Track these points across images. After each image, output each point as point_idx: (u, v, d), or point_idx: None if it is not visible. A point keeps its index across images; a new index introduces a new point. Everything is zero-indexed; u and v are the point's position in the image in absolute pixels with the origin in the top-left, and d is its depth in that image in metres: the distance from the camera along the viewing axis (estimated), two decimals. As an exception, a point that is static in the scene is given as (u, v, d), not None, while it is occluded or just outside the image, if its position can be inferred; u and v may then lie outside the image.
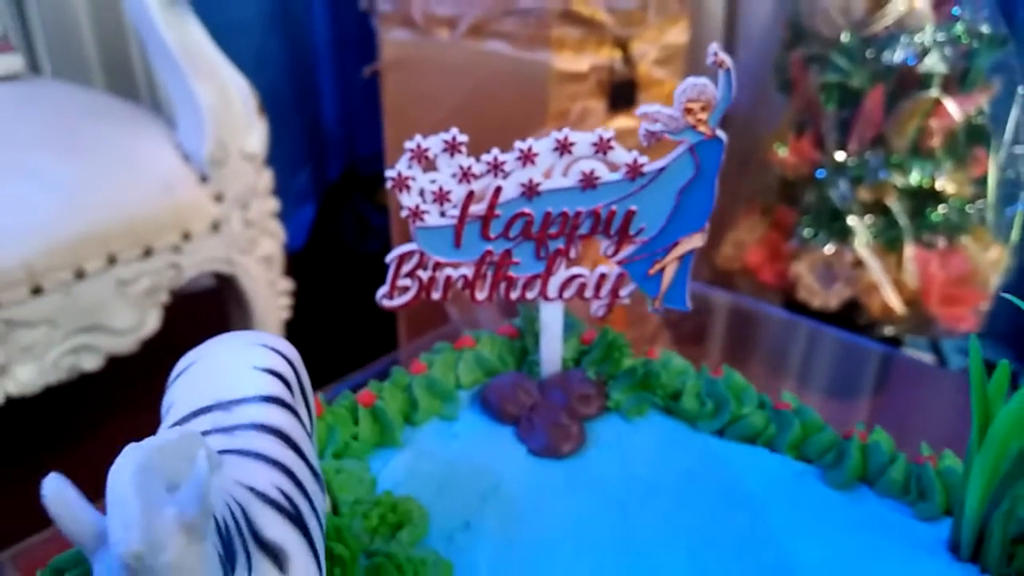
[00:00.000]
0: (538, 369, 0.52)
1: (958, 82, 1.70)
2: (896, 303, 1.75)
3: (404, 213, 0.47)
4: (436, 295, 0.49)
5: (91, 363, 1.32)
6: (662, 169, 0.47)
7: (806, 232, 1.77)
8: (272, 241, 1.53)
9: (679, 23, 1.44)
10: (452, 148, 0.45)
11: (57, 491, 0.21)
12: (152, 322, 1.37)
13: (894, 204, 1.70)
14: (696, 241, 0.49)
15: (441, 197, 0.46)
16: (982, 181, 1.76)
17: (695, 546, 0.41)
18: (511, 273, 0.49)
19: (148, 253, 1.34)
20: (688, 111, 0.45)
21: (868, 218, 1.75)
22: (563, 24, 1.34)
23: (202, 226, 1.40)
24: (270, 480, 0.29)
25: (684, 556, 0.41)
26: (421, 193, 0.46)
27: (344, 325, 1.67)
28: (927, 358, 1.84)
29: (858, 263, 1.80)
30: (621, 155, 0.46)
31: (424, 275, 0.48)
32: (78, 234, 1.25)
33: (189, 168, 1.39)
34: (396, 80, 1.50)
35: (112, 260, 1.30)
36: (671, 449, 0.48)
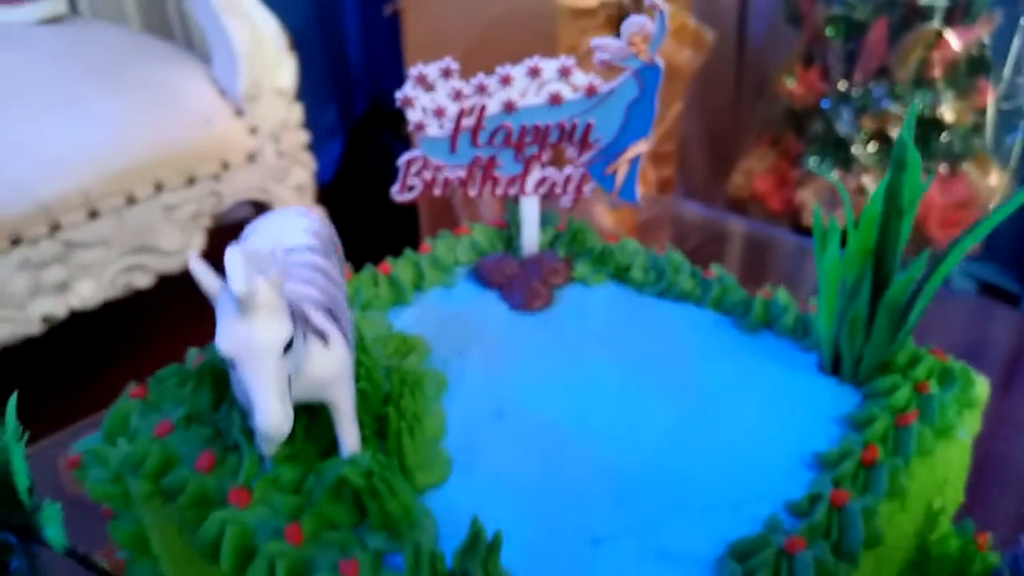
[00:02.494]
0: (520, 251, 0.68)
1: (961, 14, 1.79)
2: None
3: (410, 126, 0.62)
4: (437, 191, 0.65)
5: (143, 281, 1.51)
6: (612, 90, 0.62)
7: (812, 160, 1.89)
8: (304, 171, 1.69)
9: (685, -41, 1.56)
10: (446, 74, 0.60)
11: (199, 265, 0.37)
12: (197, 244, 1.54)
13: (896, 132, 1.81)
14: (641, 147, 0.64)
15: (439, 113, 0.62)
16: (984, 111, 1.86)
17: (633, 372, 0.57)
18: (496, 174, 0.65)
19: (191, 181, 1.51)
20: (632, 43, 0.60)
21: (871, 146, 1.86)
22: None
23: (239, 157, 1.57)
24: (316, 293, 0.45)
25: (625, 380, 0.57)
26: (423, 110, 0.62)
27: (371, 249, 1.83)
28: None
29: (861, 190, 1.90)
30: (580, 78, 0.62)
31: (427, 175, 0.64)
32: (128, 163, 1.42)
33: (226, 103, 1.55)
34: (416, 18, 1.64)
35: (159, 187, 1.47)
36: (620, 306, 0.64)
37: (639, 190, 0.65)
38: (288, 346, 0.38)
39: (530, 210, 0.66)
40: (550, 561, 0.45)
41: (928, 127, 1.83)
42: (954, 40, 1.75)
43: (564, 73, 0.60)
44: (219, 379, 0.53)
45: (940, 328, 1.31)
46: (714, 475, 0.49)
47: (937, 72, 1.79)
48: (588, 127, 0.62)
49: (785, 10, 1.86)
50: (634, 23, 0.59)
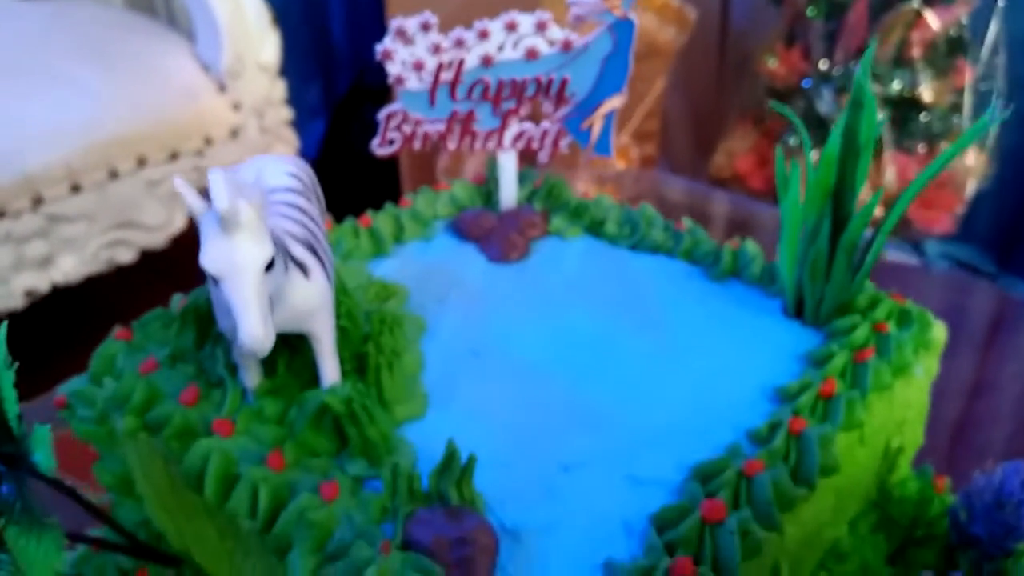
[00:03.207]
0: (498, 206, 0.70)
1: (941, -6, 1.80)
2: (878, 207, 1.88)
3: (390, 79, 0.64)
4: (417, 145, 0.67)
5: (126, 256, 1.52)
6: (588, 44, 0.64)
7: (792, 140, 1.91)
8: (286, 147, 1.70)
9: (667, -63, 1.58)
10: (426, 27, 0.62)
11: (184, 186, 0.39)
12: (179, 220, 1.56)
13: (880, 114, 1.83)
14: (616, 102, 0.66)
15: (418, 66, 0.63)
16: (963, 91, 1.88)
17: (606, 317, 0.60)
18: (474, 128, 0.67)
19: (174, 156, 1.52)
20: (606, -2, 0.62)
21: (851, 125, 1.87)
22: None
23: (222, 132, 1.58)
24: (297, 229, 0.47)
25: (597, 324, 0.59)
26: (403, 63, 0.63)
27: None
28: (911, 260, 1.98)
29: (841, 168, 1.92)
30: (556, 33, 0.64)
31: (407, 129, 0.66)
32: (111, 137, 1.44)
33: (209, 78, 1.56)
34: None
35: (142, 162, 1.48)
36: (595, 258, 0.66)
37: (617, 159, 0.67)
38: (270, 267, 0.40)
39: (508, 165, 0.69)
40: (522, 486, 0.47)
41: (907, 107, 1.86)
42: (933, 20, 1.77)
43: (540, 28, 0.63)
44: (202, 320, 0.55)
45: (919, 299, 1.34)
46: (680, 408, 0.52)
47: (916, 52, 1.81)
48: (564, 82, 0.65)
49: (768, -10, 1.88)
50: (608, -21, 0.61)
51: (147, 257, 1.54)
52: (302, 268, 0.46)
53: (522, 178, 0.72)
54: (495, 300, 0.61)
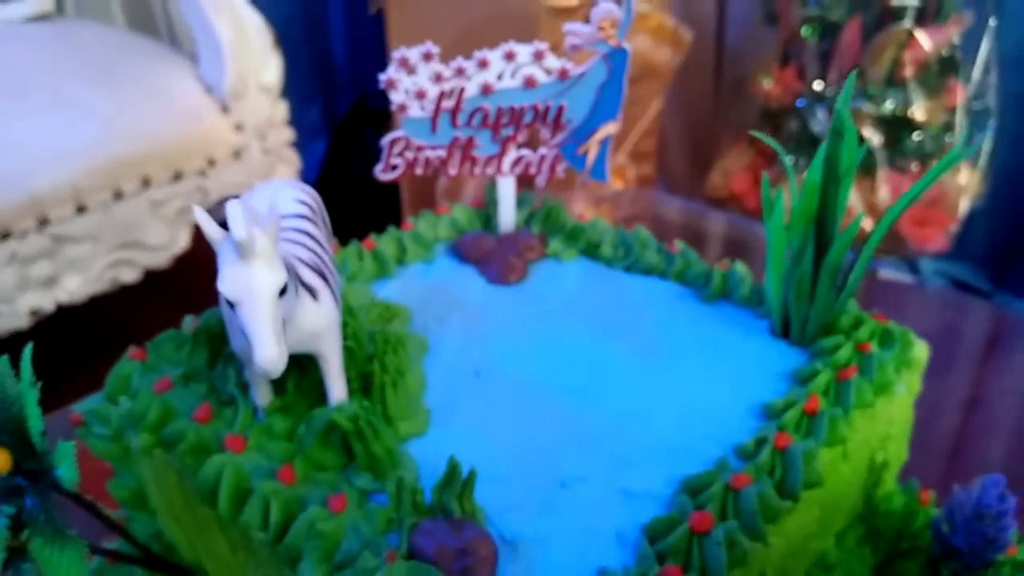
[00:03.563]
0: (497, 228, 0.73)
1: (933, 14, 1.85)
2: (869, 224, 1.92)
3: (392, 107, 0.67)
4: (419, 171, 0.70)
5: (130, 276, 1.55)
6: (583, 73, 0.67)
7: (787, 160, 1.94)
8: (288, 168, 1.73)
9: (663, -40, 1.61)
10: (427, 57, 0.65)
11: (203, 217, 0.42)
12: (183, 240, 1.59)
13: (868, 131, 1.86)
14: (610, 128, 0.69)
15: (420, 95, 0.67)
16: (955, 110, 1.92)
17: (600, 337, 0.62)
18: (474, 154, 0.70)
19: (178, 177, 1.55)
20: (601, 28, 0.65)
21: (845, 145, 1.90)
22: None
23: (225, 153, 1.61)
24: (306, 254, 0.50)
25: (592, 344, 0.62)
26: (406, 92, 0.66)
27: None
28: (906, 278, 2.01)
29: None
30: (553, 62, 0.67)
31: (410, 155, 0.69)
32: (116, 158, 1.47)
33: (212, 100, 1.60)
34: (400, 17, 1.69)
35: (146, 182, 1.51)
36: (590, 279, 0.69)
37: (614, 180, 0.70)
38: (283, 292, 0.42)
39: (506, 189, 0.71)
40: (520, 500, 0.50)
41: (900, 126, 1.89)
42: (925, 40, 1.81)
43: (538, 57, 0.66)
44: (214, 340, 0.57)
45: (914, 317, 1.37)
46: (671, 425, 0.54)
47: (909, 72, 1.85)
48: (561, 109, 0.68)
49: (762, 11, 1.92)
50: (603, 10, 0.64)
51: (151, 277, 1.57)
52: (311, 292, 0.48)
53: (520, 202, 0.75)
54: (494, 321, 0.64)
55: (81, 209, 1.44)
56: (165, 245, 1.56)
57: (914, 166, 1.92)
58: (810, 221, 0.55)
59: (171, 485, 0.55)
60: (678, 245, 0.70)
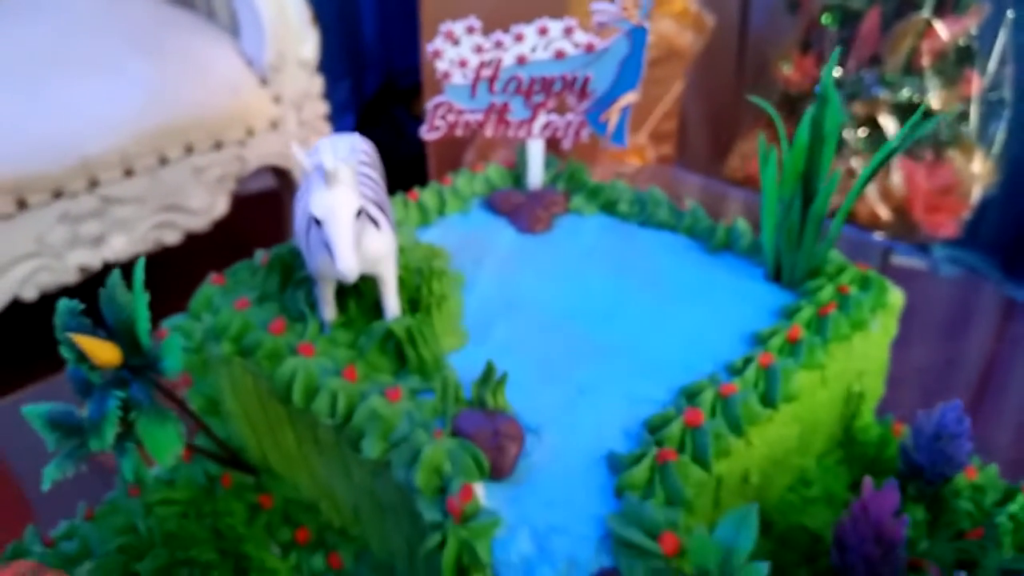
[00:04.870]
0: (526, 186, 0.84)
1: (952, 5, 1.93)
2: (883, 210, 2.01)
3: (438, 75, 0.78)
4: (459, 132, 0.81)
5: (172, 237, 1.67)
6: (608, 48, 0.78)
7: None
8: (322, 139, 1.83)
9: (687, -53, 1.71)
10: (470, 30, 0.76)
11: (298, 150, 0.53)
12: (222, 205, 1.71)
13: (884, 118, 1.95)
14: (630, 98, 0.79)
15: (462, 64, 0.77)
16: (971, 100, 2.00)
17: (615, 277, 0.73)
18: (508, 118, 0.80)
19: (219, 145, 1.67)
20: (624, 8, 0.76)
21: (861, 131, 2.00)
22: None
23: (263, 124, 1.73)
24: (369, 192, 0.61)
25: (608, 282, 0.73)
26: (450, 61, 0.77)
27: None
28: (919, 264, 2.09)
29: (850, 173, 2.04)
30: (581, 37, 0.77)
31: (451, 118, 0.80)
32: (161, 126, 1.59)
33: (251, 72, 1.71)
34: (433, -5, 1.79)
35: (189, 149, 1.63)
36: (608, 231, 0.80)
37: (634, 158, 0.81)
38: (358, 215, 0.54)
39: (536, 150, 0.83)
40: (544, 402, 0.61)
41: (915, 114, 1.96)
42: (942, 30, 1.89)
43: (568, 32, 0.76)
44: (285, 268, 0.69)
45: (925, 301, 1.46)
46: (672, 347, 0.65)
47: (926, 61, 1.93)
48: (587, 79, 0.78)
49: (785, -1, 2.00)
50: (626, -8, 0.75)
51: (191, 239, 1.69)
52: (374, 222, 0.60)
53: (547, 164, 0.86)
54: (523, 263, 0.75)
55: (129, 173, 1.56)
56: (205, 209, 1.68)
57: (928, 154, 2.01)
58: (798, 176, 0.66)
59: (247, 388, 0.67)
60: (688, 203, 0.81)
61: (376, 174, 0.65)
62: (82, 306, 0.61)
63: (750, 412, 0.59)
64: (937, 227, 2.05)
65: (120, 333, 0.60)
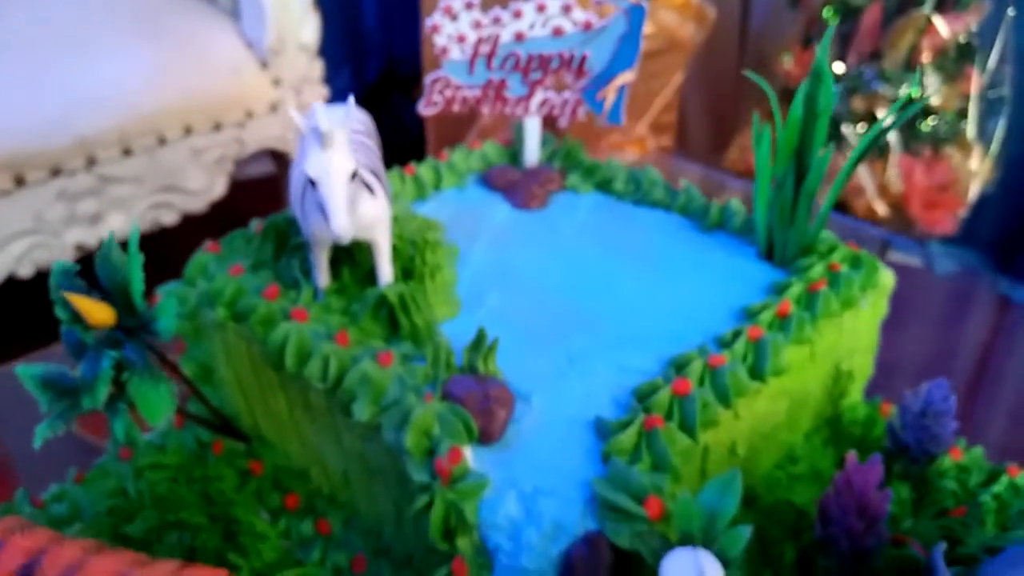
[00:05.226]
0: (523, 163, 0.85)
1: (953, 2, 1.93)
2: (880, 205, 2.02)
3: (436, 50, 0.79)
4: (456, 108, 0.81)
5: (169, 218, 1.67)
6: (605, 26, 0.78)
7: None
8: (321, 123, 1.84)
9: (691, -61, 1.72)
10: (469, 6, 0.77)
11: (295, 114, 0.54)
12: (220, 187, 1.71)
13: (883, 114, 1.96)
14: (627, 76, 0.80)
15: (461, 39, 0.78)
16: (970, 97, 2.00)
17: (609, 253, 0.74)
18: (505, 95, 0.81)
19: (217, 127, 1.68)
20: (622, -12, 0.76)
21: (860, 126, 2.00)
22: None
23: (262, 107, 1.73)
24: (364, 158, 0.62)
25: (601, 258, 0.73)
26: (448, 37, 0.78)
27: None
28: (915, 261, 2.10)
29: (850, 167, 2.04)
30: (579, 15, 0.78)
31: (449, 93, 0.81)
32: (161, 106, 1.59)
33: (252, 55, 1.72)
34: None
35: (188, 130, 1.64)
36: (603, 208, 0.81)
37: (634, 149, 0.81)
38: (353, 178, 0.54)
39: (532, 128, 0.83)
40: (534, 370, 0.61)
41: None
42: (943, 27, 1.90)
43: (566, 10, 0.77)
44: (279, 236, 0.70)
45: (922, 298, 1.46)
46: (663, 320, 0.66)
47: (926, 58, 1.94)
48: (584, 57, 0.79)
49: (786, -8, 2.01)
50: (624, -28, 0.75)
51: (187, 220, 1.69)
52: (369, 188, 0.60)
53: (543, 141, 0.87)
54: (517, 237, 0.76)
55: (127, 152, 1.57)
56: (203, 190, 1.68)
57: (926, 150, 2.01)
58: (792, 153, 0.67)
59: (240, 354, 0.67)
60: (682, 183, 0.81)
61: (372, 142, 0.66)
62: (77, 267, 0.62)
63: (738, 384, 0.59)
64: (934, 224, 2.06)
65: (114, 295, 0.61)
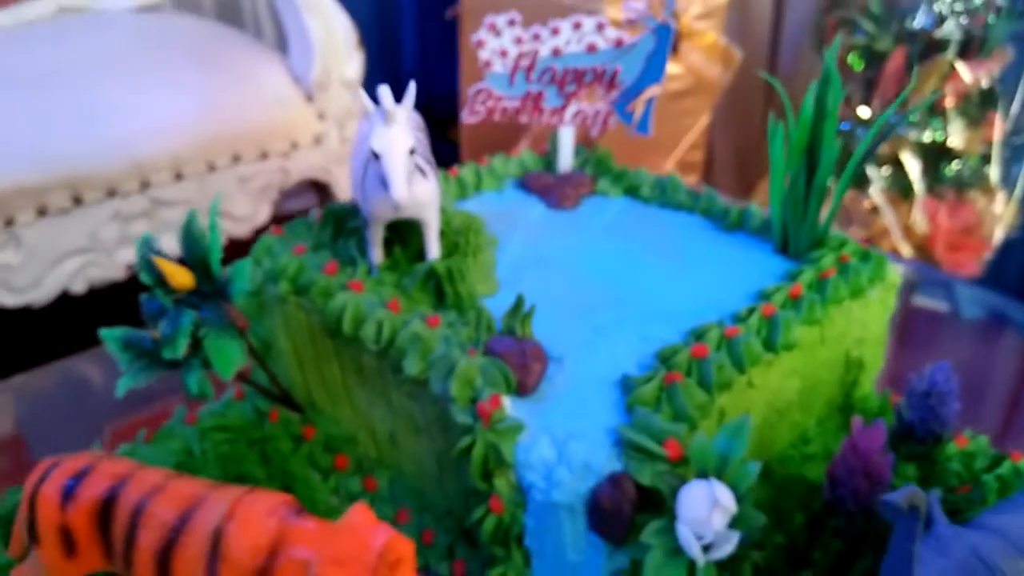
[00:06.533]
0: (557, 169, 0.93)
1: (977, 48, 2.01)
2: (905, 247, 2.08)
3: (480, 63, 0.88)
4: (497, 117, 0.90)
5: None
6: (635, 43, 0.87)
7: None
8: (362, 155, 1.94)
9: (719, -16, 1.82)
10: (511, 23, 0.86)
11: (362, 93, 0.63)
12: (264, 215, 1.81)
13: (907, 157, 2.03)
14: (655, 90, 0.88)
15: (503, 54, 0.87)
16: (993, 142, 2.07)
17: (635, 247, 0.82)
18: (542, 105, 0.90)
19: (264, 156, 1.78)
20: (651, 7, 0.85)
21: (885, 169, 2.08)
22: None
23: (307, 138, 1.84)
24: (419, 147, 0.70)
25: (628, 250, 0.81)
26: (492, 51, 0.87)
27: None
28: (941, 305, 2.15)
29: (874, 209, 2.12)
30: (611, 33, 0.87)
31: (490, 103, 0.89)
32: (211, 135, 1.70)
33: (298, 89, 1.83)
34: (474, 24, 1.91)
35: (236, 158, 1.74)
36: (630, 210, 0.89)
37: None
38: (411, 152, 0.63)
39: (566, 137, 0.92)
40: (565, 339, 0.69)
41: (939, 155, 2.04)
42: (965, 73, 1.97)
43: (599, 28, 0.86)
44: (337, 221, 0.78)
45: (949, 344, 1.51)
46: (685, 300, 0.73)
47: (950, 102, 2.01)
48: (615, 72, 0.88)
49: (812, 38, 2.11)
50: (653, -7, 0.84)
51: (232, 244, 1.79)
52: (422, 171, 0.69)
53: (576, 152, 0.95)
54: (551, 231, 0.84)
55: (179, 177, 1.67)
56: (248, 216, 1.78)
57: (950, 193, 2.08)
58: (803, 150, 0.75)
59: (300, 325, 0.75)
60: (704, 189, 0.89)
61: (424, 136, 0.75)
62: (157, 239, 0.71)
63: (751, 352, 0.66)
64: (958, 266, 2.11)
65: (193, 264, 0.70)
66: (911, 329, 1.62)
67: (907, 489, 0.47)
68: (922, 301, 2.05)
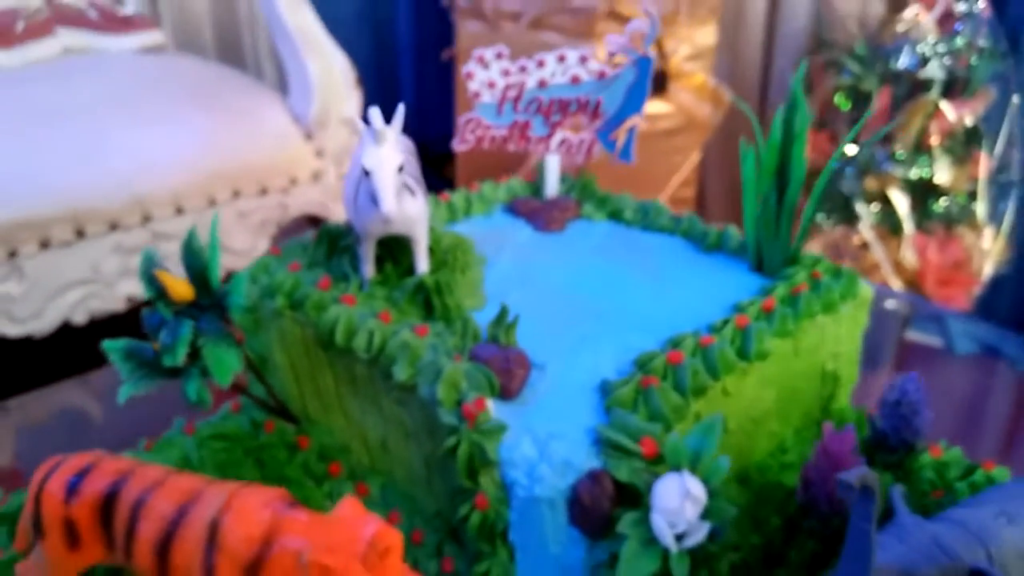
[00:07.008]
0: (544, 195, 0.98)
1: (961, 88, 2.07)
2: (895, 281, 2.12)
3: (470, 94, 0.93)
4: (485, 145, 0.95)
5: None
6: (617, 75, 0.92)
7: (818, 216, 2.16)
8: (359, 192, 1.99)
9: (708, 26, 1.89)
10: (499, 56, 0.91)
11: (355, 119, 0.67)
12: (262, 248, 1.86)
13: (895, 194, 2.08)
14: (636, 120, 0.93)
15: (491, 85, 0.92)
16: (979, 179, 2.13)
17: (617, 266, 0.86)
18: (529, 134, 0.95)
19: (264, 192, 1.83)
20: (632, 40, 0.90)
21: (874, 205, 2.12)
22: (607, 20, 1.80)
23: (305, 175, 1.89)
24: (408, 167, 0.75)
25: (611, 268, 0.85)
26: (480, 82, 0.92)
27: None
28: (935, 342, 2.18)
29: (864, 244, 2.16)
30: (594, 65, 0.92)
31: (479, 132, 0.94)
32: (212, 171, 1.75)
33: (297, 127, 1.89)
34: (468, 65, 1.98)
35: (236, 194, 1.79)
36: (613, 232, 0.93)
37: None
38: (400, 169, 0.67)
39: (552, 164, 0.96)
40: (549, 348, 0.72)
41: (926, 192, 2.10)
42: (950, 111, 2.03)
43: (583, 61, 0.91)
44: (331, 241, 0.82)
45: (942, 379, 1.54)
46: (663, 313, 0.77)
47: (935, 141, 2.07)
48: (599, 102, 0.93)
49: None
50: (635, 25, 0.90)
51: (230, 278, 1.83)
52: (410, 190, 0.73)
53: (562, 180, 1.00)
54: (538, 252, 0.88)
55: (179, 211, 1.72)
56: (247, 251, 1.83)
57: (939, 229, 2.12)
58: (774, 171, 0.79)
59: (295, 338, 0.79)
60: (684, 213, 0.94)
61: (413, 159, 0.79)
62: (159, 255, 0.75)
63: (725, 360, 0.70)
64: (948, 299, 2.15)
65: (193, 277, 0.74)
66: (906, 363, 1.64)
67: (859, 470, 0.51)
68: (915, 336, 2.08)
